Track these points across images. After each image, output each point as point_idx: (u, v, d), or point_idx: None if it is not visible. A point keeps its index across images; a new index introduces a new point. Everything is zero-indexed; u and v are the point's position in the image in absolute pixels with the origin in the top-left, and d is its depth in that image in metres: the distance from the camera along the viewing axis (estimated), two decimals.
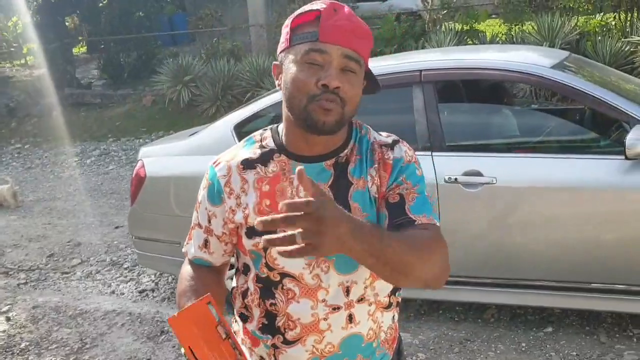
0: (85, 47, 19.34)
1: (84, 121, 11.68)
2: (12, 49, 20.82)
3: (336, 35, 1.20)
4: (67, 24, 17.39)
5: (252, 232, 1.29)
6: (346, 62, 1.21)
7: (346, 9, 1.25)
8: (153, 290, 4.19)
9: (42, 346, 3.43)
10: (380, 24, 9.39)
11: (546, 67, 2.92)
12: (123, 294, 4.23)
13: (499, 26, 9.85)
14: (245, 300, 1.38)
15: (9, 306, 4.01)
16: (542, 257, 2.97)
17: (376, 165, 1.31)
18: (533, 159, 2.98)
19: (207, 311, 1.22)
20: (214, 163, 1.37)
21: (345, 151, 1.32)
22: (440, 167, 3.01)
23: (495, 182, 2.91)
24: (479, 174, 2.94)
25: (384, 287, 1.36)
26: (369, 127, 1.39)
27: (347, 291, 1.30)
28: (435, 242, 1.23)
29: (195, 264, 1.43)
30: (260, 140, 1.36)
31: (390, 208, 1.27)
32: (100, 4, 15.12)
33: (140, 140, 9.75)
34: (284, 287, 1.31)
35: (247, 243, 1.31)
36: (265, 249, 1.28)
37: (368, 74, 1.31)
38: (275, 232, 1.19)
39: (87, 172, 8.67)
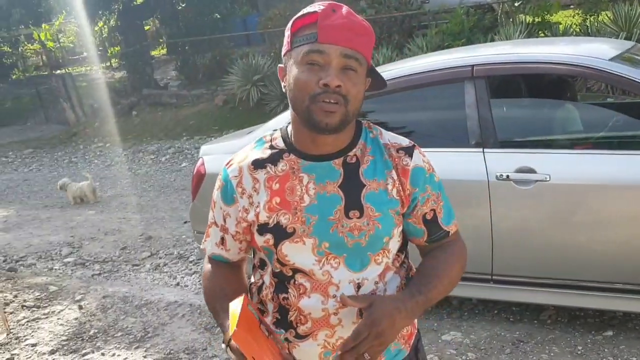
0: (165, 49, 20.15)
1: (160, 120, 12.19)
2: (98, 53, 21.99)
3: (334, 35, 1.23)
4: (146, 27, 18.17)
5: (263, 229, 1.34)
6: (346, 61, 1.24)
7: (345, 8, 1.27)
8: None
9: (109, 334, 3.63)
10: (448, 18, 9.24)
11: (603, 60, 2.79)
12: (187, 286, 4.40)
13: (573, 17, 9.43)
14: (261, 295, 1.43)
15: (82, 295, 4.27)
16: (601, 257, 2.84)
17: (394, 170, 1.34)
18: (589, 156, 2.85)
19: (250, 314, 1.27)
20: (227, 164, 1.42)
21: (354, 150, 1.35)
22: (491, 163, 2.95)
23: (548, 179, 2.81)
24: (532, 170, 2.85)
25: (395, 282, 1.39)
26: (380, 128, 1.42)
27: (358, 287, 1.33)
28: (459, 253, 1.44)
29: (214, 260, 1.49)
30: (270, 141, 1.40)
31: (428, 225, 1.40)
32: (179, 7, 15.67)
33: (212, 138, 10.05)
34: (296, 282, 1.34)
35: (259, 239, 1.35)
36: (275, 245, 1.33)
37: (372, 71, 1.33)
38: (284, 224, 1.30)
39: (162, 169, 9.05)
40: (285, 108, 9.33)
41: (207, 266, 1.51)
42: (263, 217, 1.33)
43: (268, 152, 1.37)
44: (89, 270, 4.98)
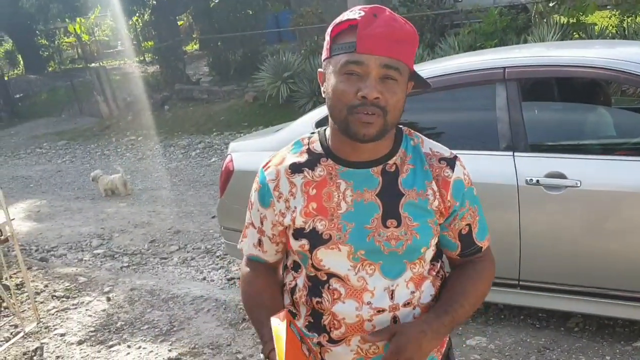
0: (197, 45, 20.34)
1: (191, 115, 12.31)
2: (132, 47, 22.32)
3: (374, 45, 1.19)
4: (180, 23, 18.36)
5: (298, 234, 1.33)
6: (385, 71, 1.20)
7: (387, 12, 1.23)
8: (239, 279, 4.37)
9: (136, 326, 3.69)
10: (481, 17, 9.12)
11: (639, 64, 2.72)
12: (213, 280, 4.45)
13: (610, 18, 9.21)
14: (294, 297, 1.43)
15: (110, 287, 4.35)
16: (631, 266, 2.77)
17: (435, 181, 1.32)
18: (622, 162, 2.79)
19: (293, 335, 1.26)
20: (264, 166, 1.40)
21: (394, 159, 1.32)
22: (521, 167, 2.90)
23: (579, 185, 2.76)
24: (562, 176, 2.80)
25: (429, 291, 1.37)
26: (421, 136, 1.38)
27: (392, 295, 1.31)
28: (488, 270, 1.43)
29: (252, 260, 1.49)
30: (308, 144, 1.38)
31: (462, 239, 1.39)
32: (212, 3, 15.79)
33: (242, 134, 10.12)
34: (331, 287, 1.33)
35: (294, 244, 1.35)
36: (310, 250, 1.32)
37: (414, 75, 1.29)
38: (321, 230, 1.30)
39: (192, 164, 9.14)
40: (314, 106, 9.37)
41: (245, 268, 1.51)
42: (299, 222, 1.32)
43: (305, 156, 1.35)
44: (118, 262, 5.07)
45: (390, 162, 1.32)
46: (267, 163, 1.40)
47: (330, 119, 1.30)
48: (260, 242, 1.44)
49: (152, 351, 3.36)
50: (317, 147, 1.36)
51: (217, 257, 4.94)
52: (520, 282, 3.03)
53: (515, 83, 2.99)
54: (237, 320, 3.62)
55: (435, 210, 1.32)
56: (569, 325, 3.21)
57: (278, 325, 1.26)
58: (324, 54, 1.29)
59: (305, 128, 3.55)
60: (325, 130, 1.39)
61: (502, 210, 2.95)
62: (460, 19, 10.13)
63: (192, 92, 13.46)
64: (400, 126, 1.37)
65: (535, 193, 2.87)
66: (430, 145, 1.37)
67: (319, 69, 1.34)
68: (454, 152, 1.39)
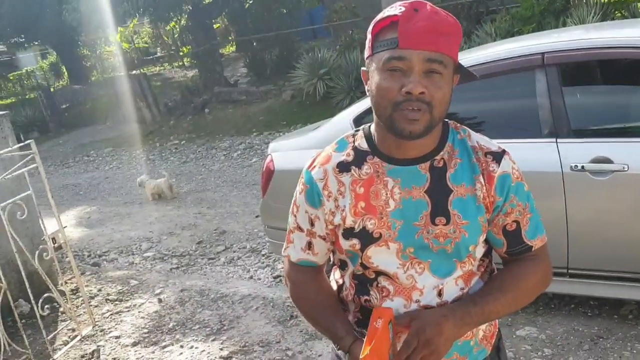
0: (234, 47, 20.57)
1: (231, 117, 12.47)
2: (171, 52, 22.75)
3: (416, 39, 1.17)
4: (216, 26, 18.59)
5: (348, 234, 1.32)
6: (429, 65, 1.18)
7: (428, 6, 1.21)
8: None
9: (187, 326, 3.78)
10: (518, 2, 8.94)
11: None
12: (260, 279, 4.51)
13: None
14: (341, 295, 1.44)
15: (161, 289, 4.46)
16: None
17: (482, 174, 1.29)
18: None
19: (386, 334, 1.23)
20: (309, 167, 1.39)
21: (441, 154, 1.30)
22: (565, 154, 2.85)
23: (627, 169, 2.69)
24: (608, 161, 2.74)
25: (478, 287, 1.36)
26: (468, 129, 1.36)
27: (440, 292, 1.31)
28: (539, 270, 1.36)
29: (301, 266, 1.45)
30: (354, 142, 1.36)
31: (508, 237, 1.34)
32: (246, 4, 15.94)
33: (281, 133, 10.20)
34: (379, 285, 1.33)
35: (345, 243, 1.34)
36: (361, 250, 1.31)
37: (460, 67, 1.27)
38: (371, 229, 1.30)
39: (234, 165, 9.27)
40: (351, 101, 9.37)
41: (294, 277, 1.47)
42: (349, 222, 1.31)
43: (352, 154, 1.34)
44: (167, 264, 5.20)
45: (438, 157, 1.30)
46: (311, 163, 1.39)
47: (375, 116, 1.30)
48: (310, 245, 1.41)
49: (204, 350, 3.44)
50: (363, 145, 1.35)
51: (263, 255, 5.01)
52: (570, 271, 2.98)
53: (555, 68, 2.94)
54: (285, 317, 3.67)
55: (484, 205, 1.29)
56: (623, 312, 3.14)
57: (378, 320, 1.25)
58: (366, 52, 1.28)
59: (342, 125, 3.56)
60: (370, 126, 1.37)
61: (547, 198, 2.90)
62: (496, 5, 9.96)
63: (230, 94, 13.63)
64: (446, 120, 1.35)
65: (581, 179, 2.81)
66: (477, 139, 1.34)
67: (362, 68, 1.33)
68: (497, 141, 1.36)
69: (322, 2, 17.69)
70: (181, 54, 21.13)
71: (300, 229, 1.42)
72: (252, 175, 8.28)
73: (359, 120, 3.45)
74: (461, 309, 1.28)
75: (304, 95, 10.93)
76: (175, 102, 14.76)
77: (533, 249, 1.36)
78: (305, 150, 3.79)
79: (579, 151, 2.83)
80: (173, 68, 22.25)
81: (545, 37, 3.43)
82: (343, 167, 1.34)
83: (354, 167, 1.33)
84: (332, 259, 1.48)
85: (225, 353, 3.36)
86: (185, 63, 20.59)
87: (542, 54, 2.97)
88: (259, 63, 14.70)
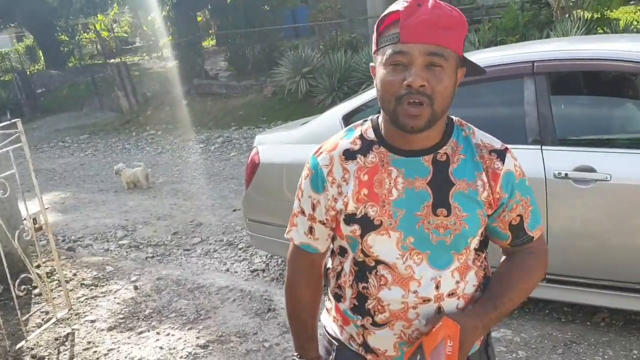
0: (215, 40, 20.45)
1: (210, 110, 12.41)
2: (151, 42, 22.52)
3: (417, 33, 1.20)
4: (198, 18, 18.45)
5: (350, 219, 1.35)
6: (430, 59, 1.21)
7: (431, 1, 1.23)
8: (263, 271, 4.42)
9: (163, 314, 3.75)
10: (502, 13, 9.09)
11: None
12: (236, 272, 4.50)
13: (635, 13, 9.13)
14: (339, 281, 1.45)
15: (137, 276, 4.41)
16: None
17: (485, 172, 1.33)
18: None
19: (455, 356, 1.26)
20: (315, 153, 1.42)
21: (444, 148, 1.33)
22: (550, 161, 2.91)
23: (609, 179, 2.76)
24: (591, 169, 2.81)
25: (473, 282, 1.39)
26: (473, 127, 1.39)
27: (438, 285, 1.33)
28: (539, 261, 1.44)
29: (302, 249, 1.48)
30: (361, 131, 1.39)
31: (513, 230, 1.40)
32: (229, 0, 15.87)
33: (260, 129, 10.19)
34: (378, 273, 1.35)
35: (345, 229, 1.36)
36: (361, 236, 1.34)
37: (465, 60, 1.29)
38: (372, 216, 1.33)
39: (211, 158, 9.22)
40: (333, 101, 9.40)
41: (291, 268, 1.53)
42: (351, 208, 1.34)
43: (359, 143, 1.37)
44: (142, 253, 5.15)
45: (441, 151, 1.33)
46: (318, 149, 1.42)
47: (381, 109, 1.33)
48: (311, 230, 1.44)
49: (180, 338, 3.41)
50: (370, 134, 1.37)
51: (240, 249, 5.00)
52: (547, 276, 3.04)
53: (544, 77, 3.00)
54: (262, 310, 3.67)
55: (484, 202, 1.33)
56: (596, 319, 3.21)
57: (449, 343, 1.27)
58: (373, 48, 1.31)
59: (331, 122, 3.58)
60: (377, 117, 1.40)
61: None
62: (481, 14, 10.10)
63: (210, 87, 13.56)
64: (452, 117, 1.39)
65: (564, 187, 2.88)
66: (482, 137, 1.37)
67: (371, 64, 1.35)
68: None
69: (305, 1, 17.72)
70: (161, 44, 20.92)
71: (303, 213, 1.45)
72: (230, 168, 8.25)
73: (348, 118, 3.47)
74: (486, 318, 1.34)
75: (285, 92, 10.92)
76: (153, 92, 14.63)
77: (534, 239, 1.42)
78: (292, 144, 3.80)
79: (563, 159, 2.89)
80: (152, 58, 22.03)
81: (535, 46, 3.50)
82: (349, 154, 1.36)
83: (359, 155, 1.35)
84: (332, 246, 1.50)
85: (202, 342, 3.34)
86: (165, 54, 20.39)
87: (533, 62, 3.03)
88: (241, 58, 14.65)
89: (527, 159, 2.93)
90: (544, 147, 2.95)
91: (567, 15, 8.53)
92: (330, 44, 11.19)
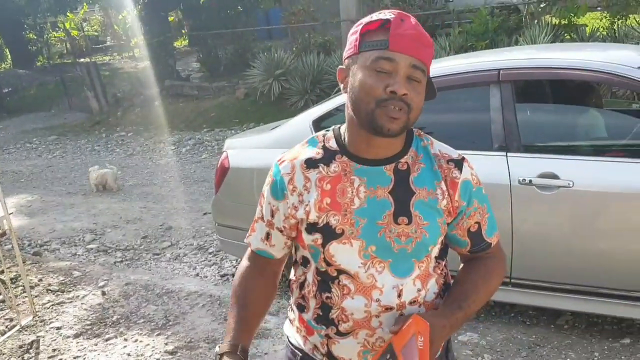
0: (187, 41, 20.29)
1: (181, 112, 12.29)
2: (122, 42, 22.24)
3: (405, 45, 1.24)
4: (169, 18, 18.29)
5: (312, 229, 1.36)
6: (412, 71, 1.25)
7: (412, 19, 1.29)
8: (234, 275, 4.40)
9: (131, 320, 3.72)
10: (472, 18, 9.21)
11: (632, 67, 2.79)
12: (206, 276, 4.48)
13: (601, 20, 9.34)
14: (303, 292, 1.46)
15: (105, 281, 4.36)
16: (621, 265, 2.85)
17: (444, 181, 1.36)
18: (613, 163, 2.86)
19: (427, 352, 1.26)
20: (278, 161, 1.43)
21: (405, 158, 1.36)
22: (514, 168, 2.97)
23: (572, 185, 2.83)
24: (555, 176, 2.87)
25: (433, 290, 1.41)
26: (431, 137, 1.43)
27: (400, 293, 1.35)
28: (498, 265, 1.48)
29: (258, 254, 1.50)
30: (324, 141, 1.41)
31: (472, 237, 1.43)
32: (202, 0, 15.76)
33: (232, 131, 10.14)
34: (340, 283, 1.37)
35: (307, 238, 1.37)
36: (323, 245, 1.35)
37: (429, 82, 1.33)
38: (334, 225, 1.34)
39: (182, 160, 9.15)
40: (306, 104, 9.41)
41: (245, 262, 1.52)
42: (313, 217, 1.35)
43: (321, 153, 1.39)
44: (111, 257, 5.09)
45: (402, 160, 1.36)
46: (281, 157, 1.43)
47: (349, 114, 1.34)
48: (268, 236, 1.46)
49: (148, 344, 3.39)
50: (333, 144, 1.39)
51: (210, 253, 4.97)
52: (512, 280, 3.09)
53: (510, 85, 3.06)
54: None
55: (444, 210, 1.36)
56: (559, 322, 3.29)
57: (419, 339, 1.27)
58: (350, 51, 1.32)
59: (302, 126, 3.59)
60: (339, 127, 1.42)
61: (494, 209, 2.97)
62: (452, 19, 10.21)
63: (182, 89, 13.44)
64: (412, 127, 1.41)
65: (528, 193, 2.93)
66: (439, 147, 1.41)
67: (340, 67, 1.37)
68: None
69: (279, 3, 17.69)
70: (132, 44, 20.68)
71: (262, 219, 1.47)
72: (201, 171, 8.20)
73: (318, 123, 3.49)
74: (452, 317, 1.35)
75: (258, 94, 10.89)
76: (124, 93, 14.45)
77: (492, 245, 1.46)
78: (262, 149, 3.80)
79: (528, 165, 2.96)
80: (123, 58, 21.76)
81: (501, 54, 3.56)
82: (311, 163, 1.38)
83: (322, 164, 1.37)
84: (294, 257, 1.50)
85: (170, 348, 3.32)
86: (136, 54, 20.16)
87: (498, 70, 3.09)
88: (213, 59, 14.55)
89: (492, 165, 3.03)
90: (509, 154, 3.01)
91: (535, 21, 8.69)
92: (303, 46, 11.20)
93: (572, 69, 2.94)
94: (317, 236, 1.35)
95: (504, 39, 8.44)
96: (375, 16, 1.29)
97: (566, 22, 8.36)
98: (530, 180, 2.91)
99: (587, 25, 8.85)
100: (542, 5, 8.99)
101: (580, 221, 2.91)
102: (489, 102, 3.10)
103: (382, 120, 1.26)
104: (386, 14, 1.28)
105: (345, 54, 1.35)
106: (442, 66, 3.41)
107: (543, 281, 3.05)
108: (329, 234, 1.34)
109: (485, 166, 3.03)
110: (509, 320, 3.38)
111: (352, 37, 1.32)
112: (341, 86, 1.35)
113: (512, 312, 3.44)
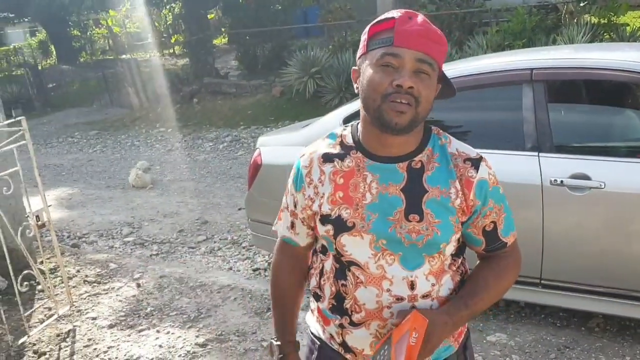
0: (226, 39, 20.52)
1: (219, 109, 12.46)
2: (162, 39, 22.63)
3: (409, 40, 1.28)
4: (209, 16, 18.52)
5: (325, 220, 1.41)
6: (419, 65, 1.28)
7: (420, 17, 1.32)
8: (265, 270, 4.48)
9: (164, 312, 3.82)
10: (509, 17, 9.08)
11: None
12: (239, 270, 4.56)
13: None
14: (321, 280, 1.51)
15: (140, 274, 4.48)
16: None
17: (459, 180, 1.37)
18: None
19: (418, 347, 1.29)
20: (300, 155, 1.50)
21: (420, 156, 1.38)
22: (546, 168, 2.94)
23: (603, 187, 2.79)
24: (587, 177, 2.84)
25: (448, 285, 1.43)
26: (450, 136, 1.44)
27: (412, 285, 1.38)
28: (513, 265, 1.49)
29: (285, 242, 1.59)
30: (341, 137, 1.46)
31: (487, 236, 1.44)
32: None
33: (268, 128, 10.23)
34: (353, 272, 1.41)
35: (321, 229, 1.43)
36: (334, 236, 1.40)
37: (443, 78, 1.37)
38: (345, 218, 1.38)
39: (219, 157, 9.29)
40: (341, 102, 9.43)
41: (276, 257, 1.63)
42: (326, 209, 1.40)
43: (338, 147, 1.44)
44: (147, 250, 5.22)
45: (417, 159, 1.38)
46: (303, 152, 1.51)
47: (362, 111, 1.38)
48: (292, 225, 1.53)
49: (180, 337, 3.47)
50: (349, 140, 1.44)
51: (243, 248, 5.06)
52: (542, 281, 3.07)
53: (542, 84, 3.03)
54: (262, 309, 3.72)
55: (457, 209, 1.37)
56: (590, 325, 3.24)
57: (413, 334, 1.30)
58: (360, 51, 1.37)
59: (332, 124, 3.62)
60: (357, 124, 1.46)
61: (525, 210, 2.99)
62: (489, 17, 10.09)
63: (220, 86, 13.61)
64: (431, 126, 1.44)
65: (559, 193, 2.91)
66: (457, 146, 1.42)
67: (353, 67, 1.41)
68: (480, 151, 1.44)
69: (317, 1, 17.73)
70: (172, 42, 21.04)
71: (287, 208, 1.55)
72: (237, 167, 8.31)
73: (348, 121, 3.51)
74: (457, 315, 1.37)
75: (293, 92, 10.96)
76: (163, 89, 14.70)
77: (508, 245, 1.47)
78: (293, 146, 3.84)
79: (560, 166, 2.93)
80: (163, 56, 22.13)
81: (534, 53, 3.53)
82: (327, 157, 1.43)
83: (337, 159, 1.42)
84: (315, 245, 1.57)
85: (201, 340, 3.40)
86: (176, 51, 20.49)
87: (531, 69, 3.06)
88: (251, 57, 14.69)
89: (524, 165, 3.01)
90: (541, 154, 2.99)
91: (574, 20, 8.51)
92: (339, 44, 11.22)
93: (606, 69, 2.89)
94: (329, 227, 1.40)
95: (542, 38, 8.29)
96: (382, 16, 1.33)
97: (606, 22, 8.15)
98: (562, 181, 2.88)
99: (628, 25, 8.61)
100: (581, 4, 8.80)
101: (611, 223, 2.86)
102: (521, 102, 3.08)
103: (390, 115, 1.28)
104: (393, 13, 1.32)
105: (357, 56, 1.40)
106: (475, 65, 3.40)
107: (574, 283, 3.01)
108: (340, 226, 1.39)
109: (517, 166, 3.03)
110: (538, 321, 3.35)
111: (362, 38, 1.36)
112: (355, 86, 1.39)
113: (542, 313, 3.41)
